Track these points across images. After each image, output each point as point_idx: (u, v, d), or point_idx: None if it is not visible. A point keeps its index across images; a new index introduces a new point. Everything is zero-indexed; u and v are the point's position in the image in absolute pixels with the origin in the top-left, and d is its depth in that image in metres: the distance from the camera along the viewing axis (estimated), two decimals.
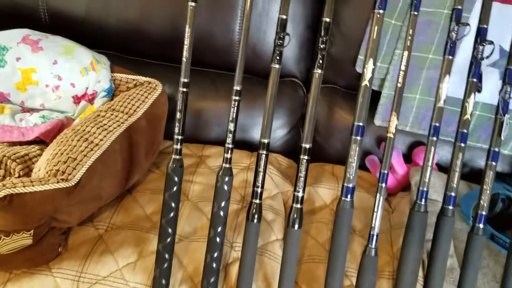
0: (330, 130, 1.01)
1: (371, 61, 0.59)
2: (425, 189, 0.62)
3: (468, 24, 0.59)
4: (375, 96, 0.92)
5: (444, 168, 0.94)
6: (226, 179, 0.64)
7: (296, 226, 0.65)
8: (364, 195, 0.91)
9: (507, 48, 0.84)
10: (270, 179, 0.91)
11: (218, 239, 0.64)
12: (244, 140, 1.00)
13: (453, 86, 0.85)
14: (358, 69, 0.93)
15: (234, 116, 0.62)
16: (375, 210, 0.63)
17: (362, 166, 0.97)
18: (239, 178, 0.90)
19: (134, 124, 0.79)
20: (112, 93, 0.87)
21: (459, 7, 0.61)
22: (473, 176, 0.93)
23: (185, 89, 0.64)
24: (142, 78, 0.90)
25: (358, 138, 0.62)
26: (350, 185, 0.63)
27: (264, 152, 0.66)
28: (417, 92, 0.89)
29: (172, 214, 0.63)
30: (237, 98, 0.63)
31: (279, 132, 1.03)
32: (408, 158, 0.95)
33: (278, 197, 0.88)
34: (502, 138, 0.61)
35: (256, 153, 0.99)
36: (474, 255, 0.62)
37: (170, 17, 0.97)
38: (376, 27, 0.59)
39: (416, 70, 0.87)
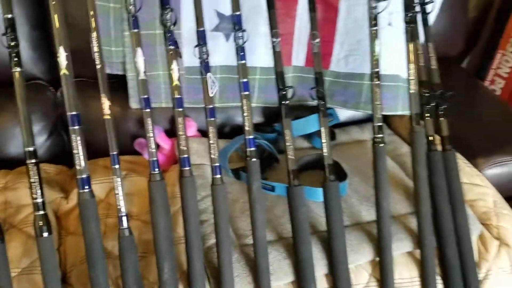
0: (92, 124, 0.98)
1: (61, 48, 0.58)
2: (154, 159, 0.65)
3: None
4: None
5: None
6: None
7: (45, 234, 0.62)
8: (139, 179, 0.92)
9: (223, 11, 0.92)
10: None
11: None
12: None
13: (188, 56, 0.91)
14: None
15: None
16: (117, 192, 0.64)
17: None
18: None
19: None
20: None
21: None
22: (234, 133, 1.02)
23: None
24: None
25: (76, 127, 0.62)
26: (84, 176, 0.62)
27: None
28: (160, 69, 0.93)
29: None
30: None
31: (38, 139, 0.97)
32: (172, 132, 0.99)
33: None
34: (211, 95, 0.68)
35: (14, 170, 0.93)
36: (219, 203, 0.68)
37: None
38: (56, 16, 0.58)
39: (151, 48, 0.90)
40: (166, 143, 0.95)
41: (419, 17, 0.82)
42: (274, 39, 0.73)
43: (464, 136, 0.97)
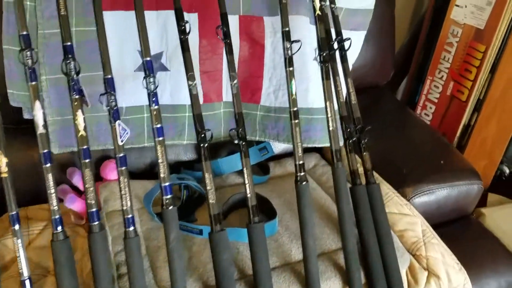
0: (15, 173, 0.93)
1: None
2: (57, 217, 0.61)
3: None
4: None
5: (136, 174, 0.98)
6: None
7: None
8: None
9: None
10: None
11: None
12: None
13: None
14: (13, 103, 0.88)
15: None
16: (18, 256, 0.59)
17: None
18: None
19: None
20: None
21: (25, 32, 0.61)
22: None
23: None
24: None
25: None
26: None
27: None
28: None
29: None
30: None
31: None
32: (98, 174, 0.95)
33: None
34: (120, 143, 0.65)
35: None
36: (133, 258, 0.65)
37: None
38: None
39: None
40: None
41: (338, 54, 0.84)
42: (190, 82, 0.72)
43: (394, 165, 0.99)
